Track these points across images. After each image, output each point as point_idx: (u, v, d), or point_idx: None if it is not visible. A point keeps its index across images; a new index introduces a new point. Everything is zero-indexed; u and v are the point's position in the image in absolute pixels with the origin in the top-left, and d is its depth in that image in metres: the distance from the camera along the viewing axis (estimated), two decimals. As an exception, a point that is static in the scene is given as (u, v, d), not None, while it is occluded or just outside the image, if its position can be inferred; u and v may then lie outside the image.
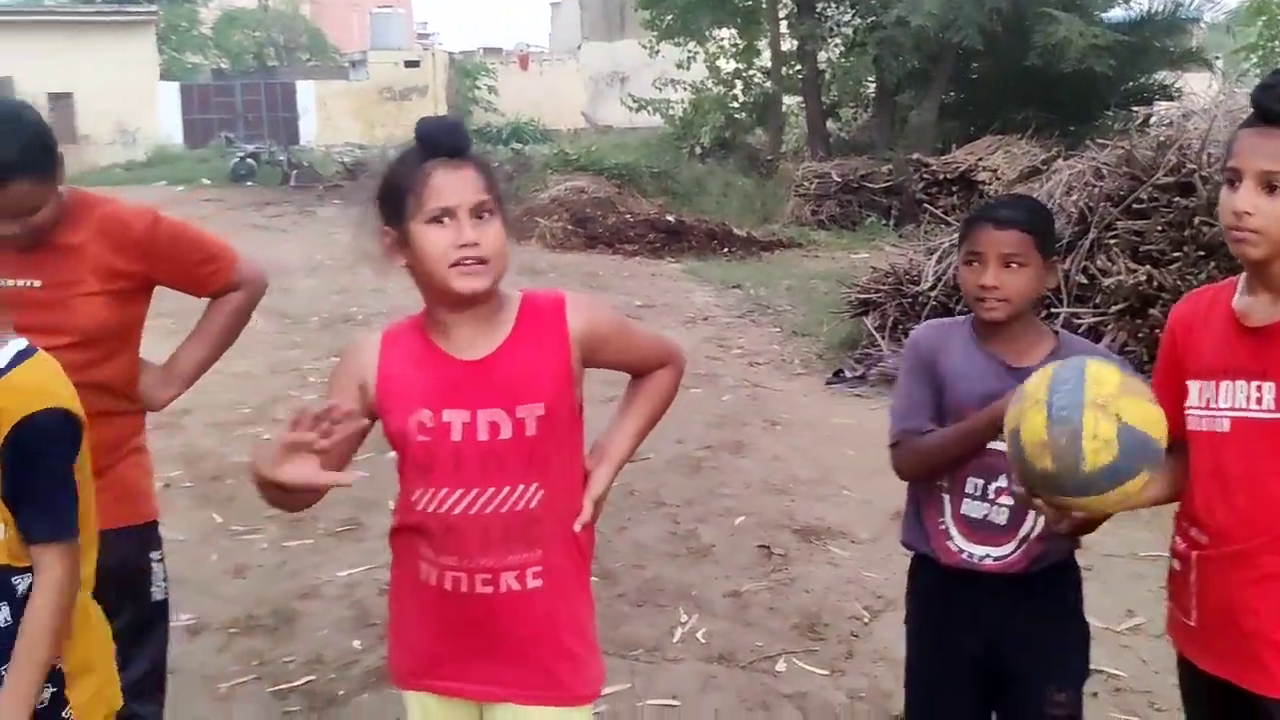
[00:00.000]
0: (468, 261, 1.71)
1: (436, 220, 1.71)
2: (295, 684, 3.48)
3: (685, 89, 21.36)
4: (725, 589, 4.12)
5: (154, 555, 2.55)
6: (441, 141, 1.73)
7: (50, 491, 1.73)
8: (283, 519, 4.86)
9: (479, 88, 37.44)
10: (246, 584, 4.26)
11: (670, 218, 15.27)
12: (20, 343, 1.75)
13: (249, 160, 24.47)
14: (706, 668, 3.55)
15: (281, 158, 24.39)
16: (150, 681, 2.62)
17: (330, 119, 33.88)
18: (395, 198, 1.75)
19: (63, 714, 1.78)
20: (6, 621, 1.72)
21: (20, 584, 1.72)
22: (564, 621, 1.84)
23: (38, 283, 2.27)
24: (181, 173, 25.68)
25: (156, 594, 2.55)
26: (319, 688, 3.45)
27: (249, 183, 23.52)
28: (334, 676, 3.52)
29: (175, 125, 32.40)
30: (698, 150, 20.66)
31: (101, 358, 2.35)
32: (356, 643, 3.71)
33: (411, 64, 37.37)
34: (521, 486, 1.78)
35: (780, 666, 3.54)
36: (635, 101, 22.60)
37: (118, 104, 30.35)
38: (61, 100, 30.79)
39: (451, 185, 1.71)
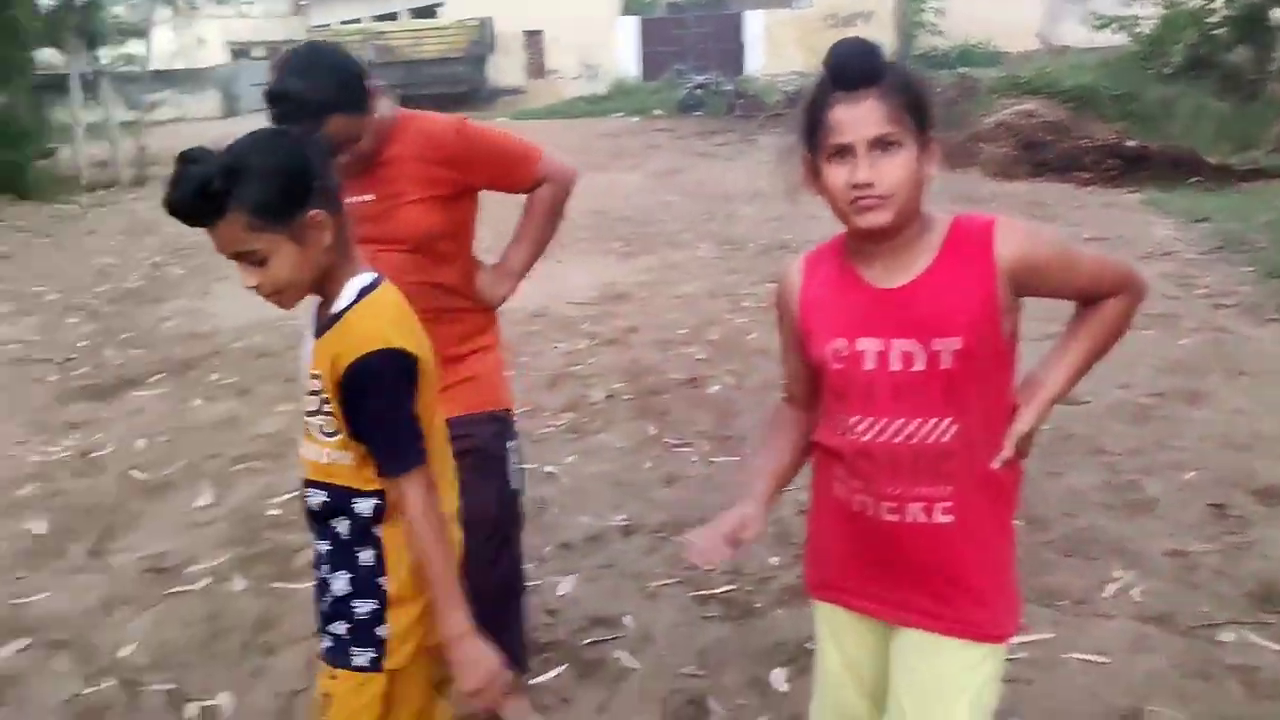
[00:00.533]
0: (864, 200, 1.67)
1: (836, 156, 1.68)
2: (715, 591, 3.64)
3: (1156, 4, 19.48)
4: (1167, 547, 3.80)
5: (510, 444, 2.77)
6: (844, 71, 1.67)
7: (391, 430, 1.81)
8: (714, 435, 5.07)
9: (925, 10, 36.26)
10: (676, 493, 4.48)
11: (1131, 143, 14.05)
12: (365, 278, 1.84)
13: (697, 91, 25.33)
14: (1140, 627, 3.30)
15: (728, 88, 25.02)
16: (515, 575, 2.89)
17: (776, 48, 34.21)
18: (809, 128, 1.72)
19: (377, 630, 1.88)
20: (345, 535, 1.87)
21: (360, 505, 1.85)
22: (973, 559, 1.77)
23: (370, 197, 2.51)
24: (637, 104, 27.06)
25: (513, 482, 2.78)
26: (738, 598, 3.58)
27: (697, 113, 24.34)
28: (751, 589, 3.63)
29: (634, 58, 34.11)
30: (1166, 70, 18.80)
31: (436, 261, 2.59)
32: (775, 559, 3.80)
33: (857, -11, 36.83)
34: (934, 420, 1.72)
35: (1226, 636, 3.23)
36: (1099, 19, 20.92)
37: (582, 39, 32.44)
38: (533, 37, 33.38)
39: (848, 120, 1.65)
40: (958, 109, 16.35)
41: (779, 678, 3.11)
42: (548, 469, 4.71)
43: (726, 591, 3.64)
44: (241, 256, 1.74)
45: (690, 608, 3.56)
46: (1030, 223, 1.80)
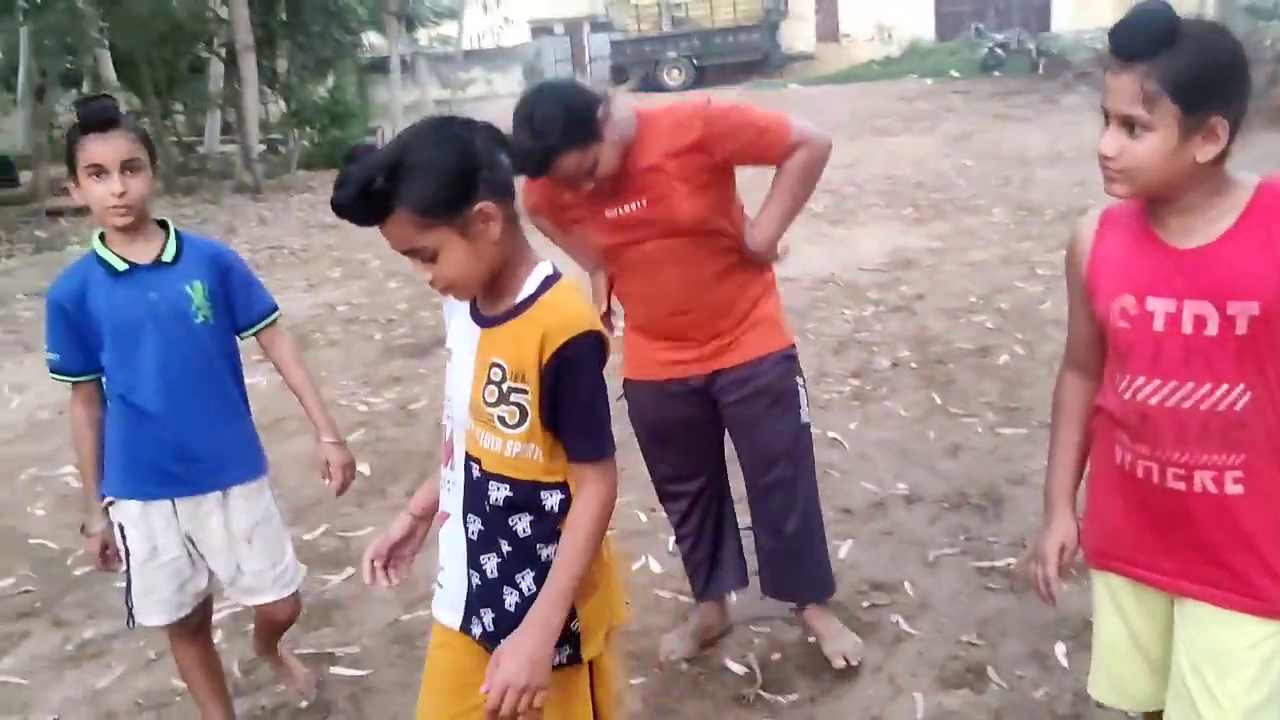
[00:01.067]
0: (1106, 170, 1.68)
1: (1105, 120, 1.67)
2: (997, 563, 3.59)
3: None
4: None
5: (799, 380, 2.96)
6: (1116, 40, 1.63)
7: (589, 413, 1.75)
8: (1000, 406, 4.96)
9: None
10: (960, 464, 4.42)
11: None
12: (547, 266, 1.78)
13: (997, 50, 24.35)
14: None
15: (1030, 46, 23.90)
16: (815, 504, 3.07)
17: (1085, 3, 32.29)
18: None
19: (571, 626, 1.81)
20: (526, 532, 1.80)
21: (548, 499, 1.79)
22: (1265, 533, 1.70)
23: (640, 203, 2.69)
24: (931, 66, 26.30)
25: (803, 416, 2.96)
26: (1021, 570, 3.53)
27: (996, 73, 23.42)
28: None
29: (928, 19, 33.07)
30: None
31: (714, 234, 2.77)
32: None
33: (1181, -67, 34.16)
34: (1225, 386, 1.67)
35: None
36: None
37: (877, 1, 31.75)
38: (826, 2, 32.95)
39: (1111, 89, 1.64)
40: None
41: (1060, 651, 3.06)
42: (831, 435, 4.76)
43: (1009, 564, 3.58)
44: (413, 253, 1.69)
45: (972, 578, 3.54)
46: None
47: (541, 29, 43.51)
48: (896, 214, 9.83)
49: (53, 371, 2.55)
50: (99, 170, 2.39)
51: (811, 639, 3.18)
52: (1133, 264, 1.75)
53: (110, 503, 2.61)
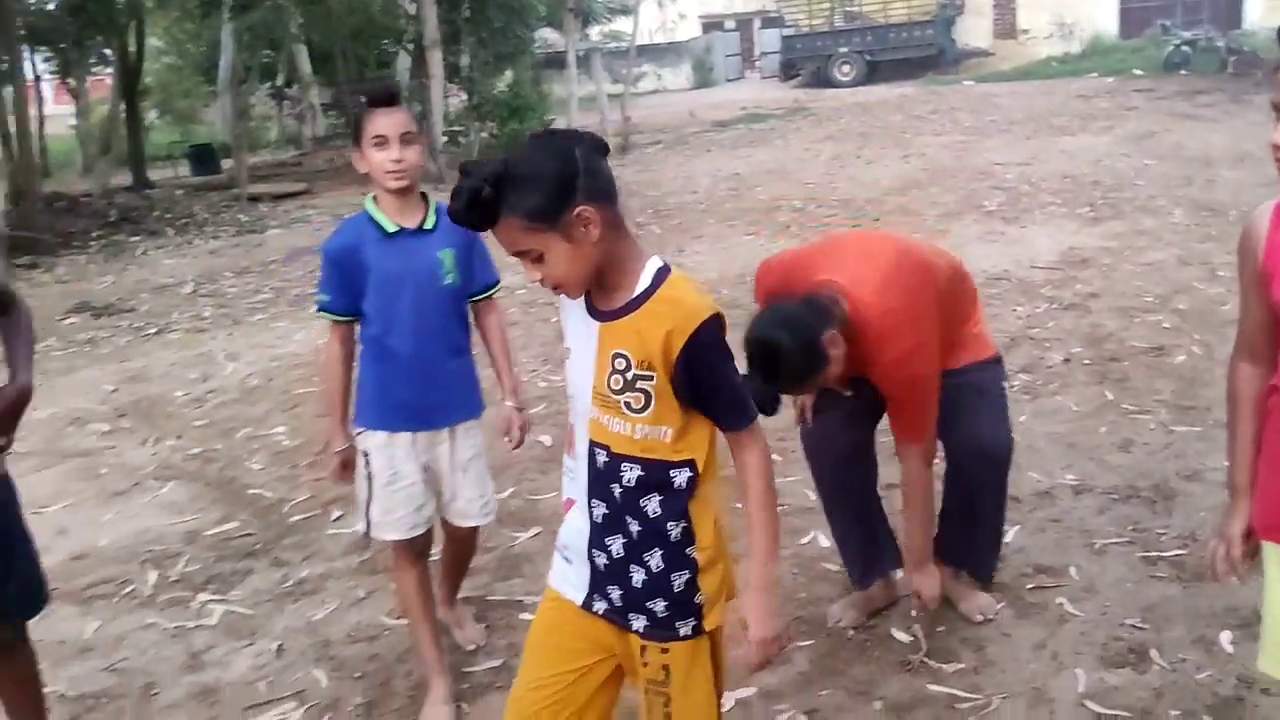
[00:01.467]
0: None
1: None
2: (1165, 554, 3.64)
3: None
4: None
5: (1004, 384, 3.33)
6: None
7: (731, 388, 1.90)
8: (1175, 404, 4.94)
9: None
10: (1130, 458, 4.45)
11: None
12: (657, 261, 1.87)
13: (1184, 48, 23.43)
14: None
15: (1219, 44, 22.92)
16: (1004, 495, 3.41)
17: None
18: None
19: (695, 599, 1.94)
20: (656, 512, 1.91)
21: (677, 477, 1.90)
22: None
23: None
24: (1113, 63, 25.47)
25: (1007, 414, 3.33)
26: (1188, 560, 3.57)
27: (1182, 71, 22.54)
28: (1204, 555, 3.59)
29: (1112, 15, 31.97)
30: None
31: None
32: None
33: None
34: None
35: None
36: None
37: (1057, -2, 30.89)
38: (1004, -2, 32.17)
39: None
40: None
41: (1226, 639, 3.11)
42: (999, 426, 4.82)
43: (1177, 555, 3.63)
44: (521, 255, 1.81)
45: (1138, 566, 3.60)
46: None
47: (712, 24, 43.70)
48: (1072, 213, 9.68)
49: (320, 310, 3.00)
50: (382, 141, 2.80)
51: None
52: None
53: (360, 432, 3.00)
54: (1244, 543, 2.09)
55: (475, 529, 3.24)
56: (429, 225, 2.94)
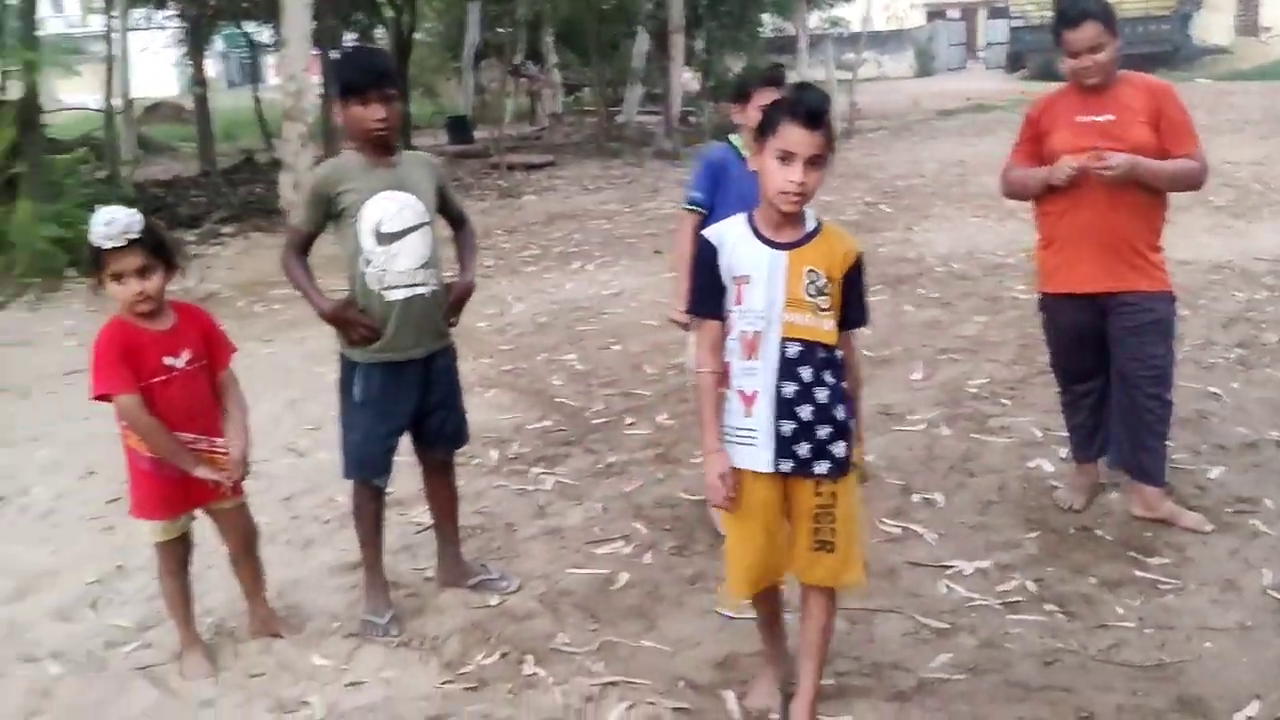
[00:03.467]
0: None
1: None
2: (1356, 494, 4.22)
3: None
4: None
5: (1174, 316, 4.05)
6: None
7: (864, 298, 2.82)
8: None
9: None
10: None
11: None
12: (812, 216, 2.75)
13: None
14: None
15: None
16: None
17: None
18: None
19: (852, 442, 2.79)
20: (833, 380, 2.73)
21: (837, 355, 2.75)
22: None
23: (1111, 117, 3.82)
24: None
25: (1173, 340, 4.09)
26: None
27: None
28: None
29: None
30: None
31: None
32: None
33: None
34: None
35: None
36: None
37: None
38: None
39: None
40: None
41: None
42: (1211, 389, 5.40)
43: (1372, 497, 4.20)
44: (814, 161, 2.63)
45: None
46: None
47: (936, 13, 43.43)
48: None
49: (689, 203, 4.05)
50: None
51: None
52: None
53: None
54: None
55: None
56: None
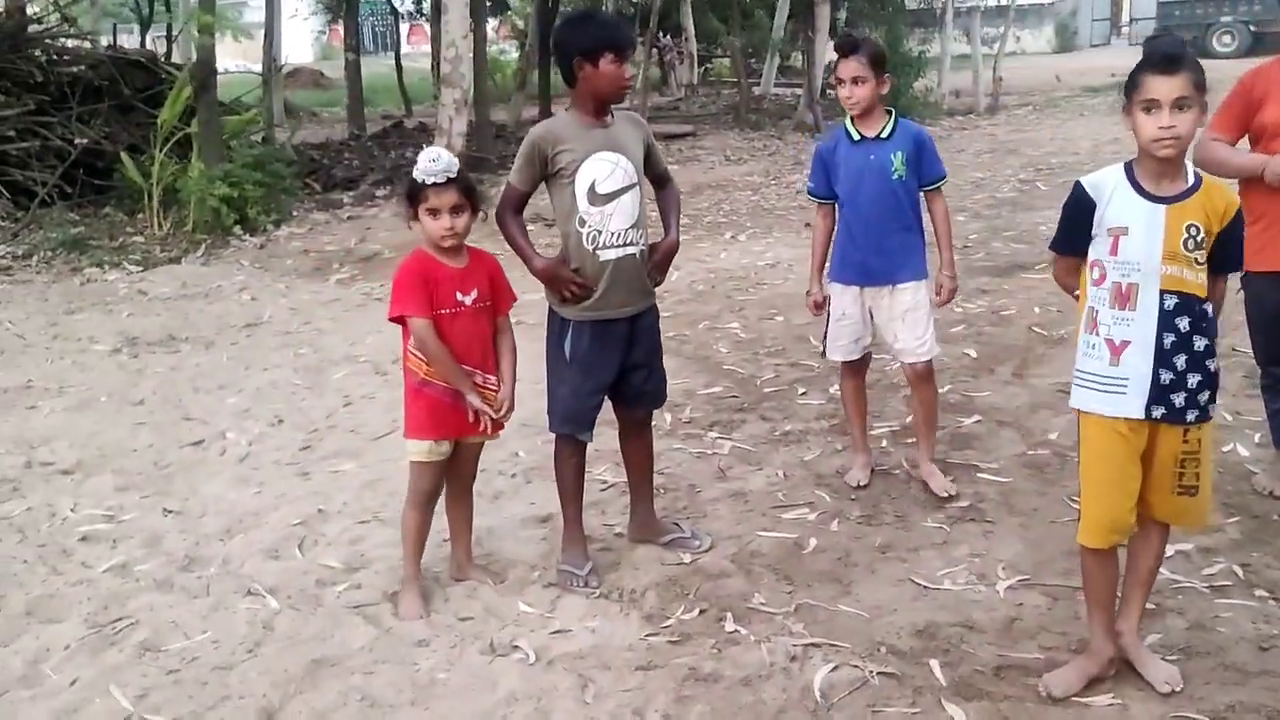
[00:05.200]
0: None
1: None
2: None
3: None
4: None
5: None
6: None
7: (1241, 248, 2.86)
8: None
9: None
10: None
11: None
12: (1193, 170, 2.78)
13: None
14: None
15: None
16: None
17: None
18: None
19: (1216, 392, 2.87)
20: (1207, 329, 2.78)
21: (1209, 308, 2.79)
22: None
23: None
24: None
25: None
26: None
27: None
28: None
29: None
30: None
31: None
32: None
33: None
34: None
35: None
36: None
37: None
38: None
39: None
40: None
41: None
42: None
43: None
44: (1180, 103, 2.65)
45: None
46: None
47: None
48: None
49: (810, 194, 4.28)
50: (840, 81, 4.01)
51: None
52: None
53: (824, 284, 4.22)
54: None
55: (926, 365, 4.22)
56: (885, 134, 4.02)
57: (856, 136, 4.05)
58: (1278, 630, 3.24)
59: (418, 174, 3.30)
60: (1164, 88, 2.65)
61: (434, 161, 3.27)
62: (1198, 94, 2.67)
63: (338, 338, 6.90)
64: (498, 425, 3.55)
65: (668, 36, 26.61)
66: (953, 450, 4.66)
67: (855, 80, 3.98)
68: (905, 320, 4.13)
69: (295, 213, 10.95)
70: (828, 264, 4.29)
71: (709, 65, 29.45)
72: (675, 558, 3.81)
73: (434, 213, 3.33)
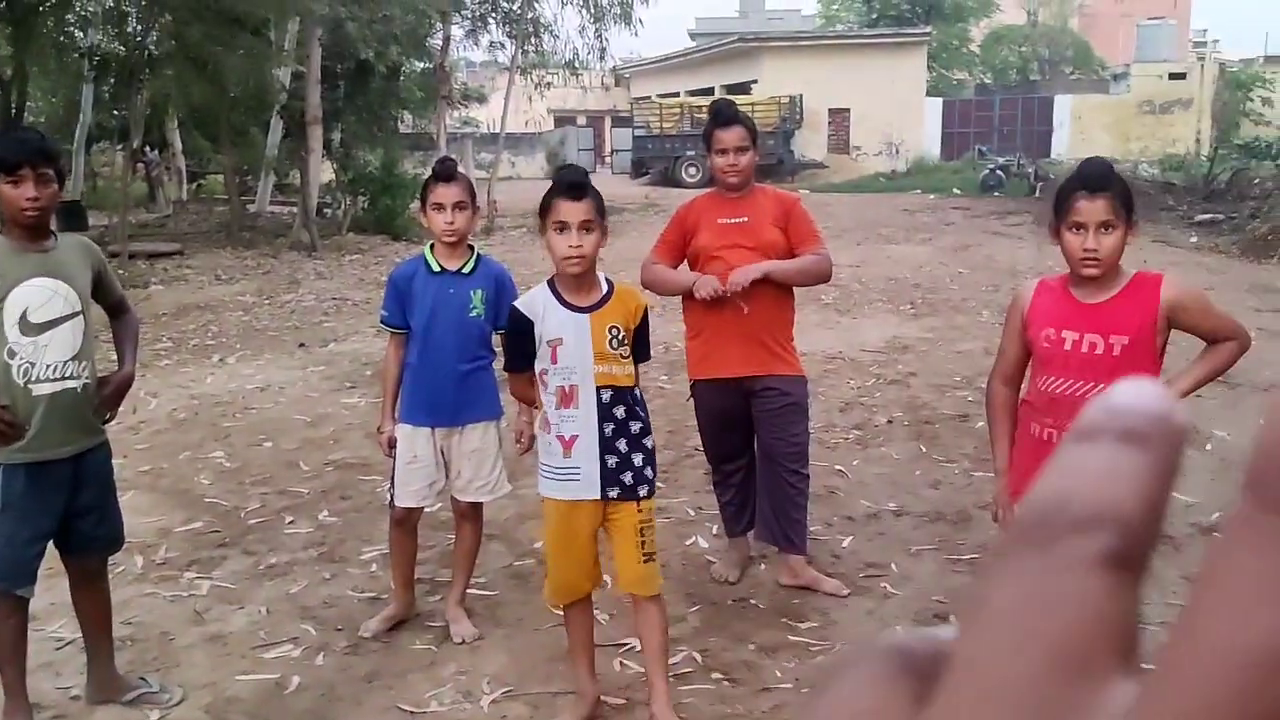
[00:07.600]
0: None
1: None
2: (964, 557, 4.78)
3: None
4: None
5: (808, 399, 5.04)
6: (1090, 174, 2.94)
7: (647, 345, 3.44)
8: (976, 458, 6.16)
9: (1251, 100, 35.17)
10: (939, 493, 5.63)
11: None
12: (605, 279, 3.28)
13: (998, 172, 25.98)
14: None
15: (1029, 170, 25.52)
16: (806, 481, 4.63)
17: (1084, 132, 34.18)
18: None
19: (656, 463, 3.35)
20: (639, 416, 3.28)
21: (637, 393, 3.30)
22: None
23: (746, 219, 4.22)
24: (935, 183, 27.91)
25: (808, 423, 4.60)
26: (981, 560, 4.71)
27: (996, 193, 24.98)
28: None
29: (935, 138, 34.90)
30: None
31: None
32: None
33: (1177, 76, 36.22)
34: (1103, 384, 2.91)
35: None
36: None
37: (887, 119, 33.54)
38: (839, 115, 34.69)
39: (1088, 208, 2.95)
40: (1262, 203, 16.42)
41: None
42: (837, 468, 5.96)
43: (973, 557, 4.77)
44: (588, 225, 3.18)
45: (944, 565, 4.72)
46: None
47: (565, 119, 45.38)
48: (896, 309, 11.13)
49: (383, 323, 4.02)
50: (440, 208, 3.80)
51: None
52: (1059, 309, 3.01)
53: (395, 422, 3.94)
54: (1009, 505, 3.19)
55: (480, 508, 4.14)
56: (467, 270, 3.90)
57: (437, 268, 3.87)
58: (731, 709, 3.53)
59: None
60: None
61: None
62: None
63: None
64: None
65: (155, 151, 25.32)
66: (441, 569, 4.68)
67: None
68: (470, 459, 3.98)
69: None
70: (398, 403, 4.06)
71: (201, 181, 28.35)
72: (141, 715, 3.47)
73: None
